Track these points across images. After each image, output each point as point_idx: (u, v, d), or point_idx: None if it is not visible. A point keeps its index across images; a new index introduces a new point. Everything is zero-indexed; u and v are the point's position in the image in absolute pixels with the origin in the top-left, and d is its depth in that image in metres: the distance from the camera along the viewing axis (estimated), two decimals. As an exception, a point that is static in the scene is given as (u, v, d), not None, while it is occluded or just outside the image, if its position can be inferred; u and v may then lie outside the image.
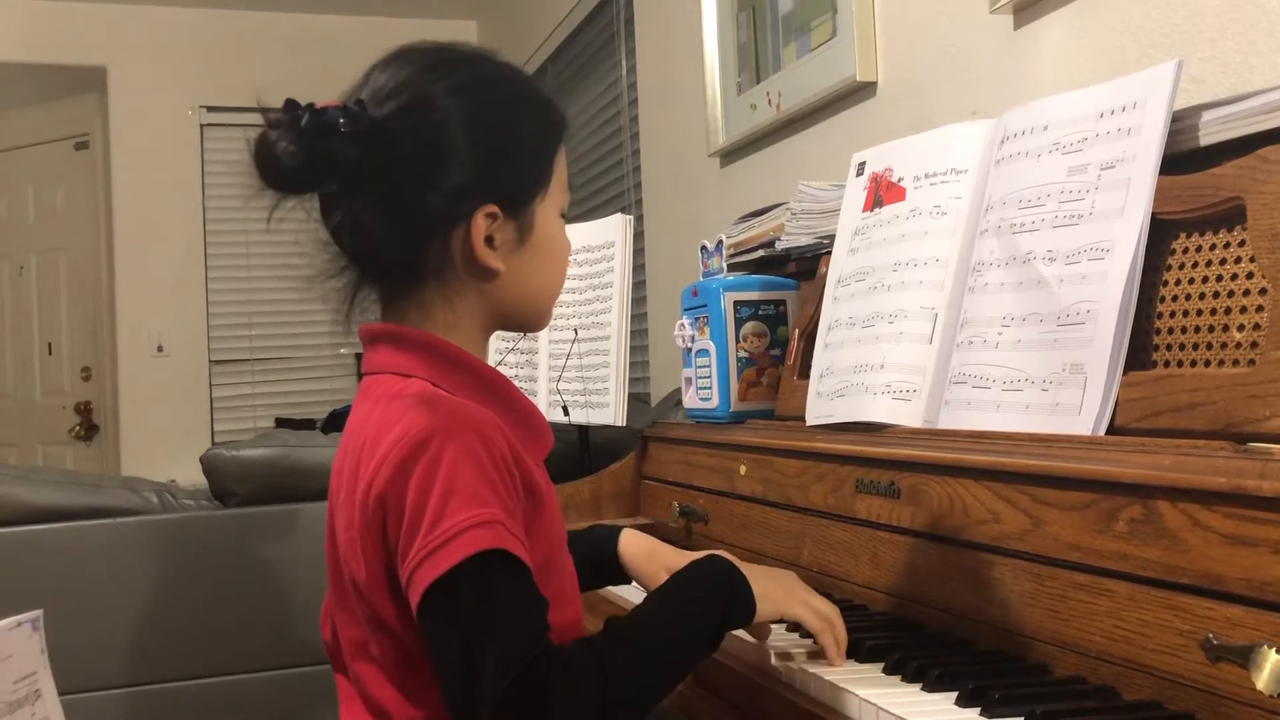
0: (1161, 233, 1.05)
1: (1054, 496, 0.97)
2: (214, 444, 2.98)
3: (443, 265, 0.99)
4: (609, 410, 2.06)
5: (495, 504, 0.89)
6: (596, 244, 2.18)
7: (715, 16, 2.80)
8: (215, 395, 5.23)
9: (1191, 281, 1.03)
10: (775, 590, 1.06)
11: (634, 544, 1.25)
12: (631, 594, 1.42)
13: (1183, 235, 1.05)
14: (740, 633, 1.10)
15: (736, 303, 1.70)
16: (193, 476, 2.64)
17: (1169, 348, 1.04)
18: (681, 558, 1.18)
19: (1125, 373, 1.03)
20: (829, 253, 1.51)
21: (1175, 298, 1.04)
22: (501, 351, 2.33)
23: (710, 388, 1.71)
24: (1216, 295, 1.00)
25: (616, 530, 1.27)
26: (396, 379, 0.99)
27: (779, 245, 1.75)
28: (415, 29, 5.45)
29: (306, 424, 4.15)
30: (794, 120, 2.47)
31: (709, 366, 1.71)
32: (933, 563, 1.13)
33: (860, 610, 1.22)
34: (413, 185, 0.96)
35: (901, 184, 1.38)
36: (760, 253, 1.83)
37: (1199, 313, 1.02)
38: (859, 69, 2.16)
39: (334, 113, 0.93)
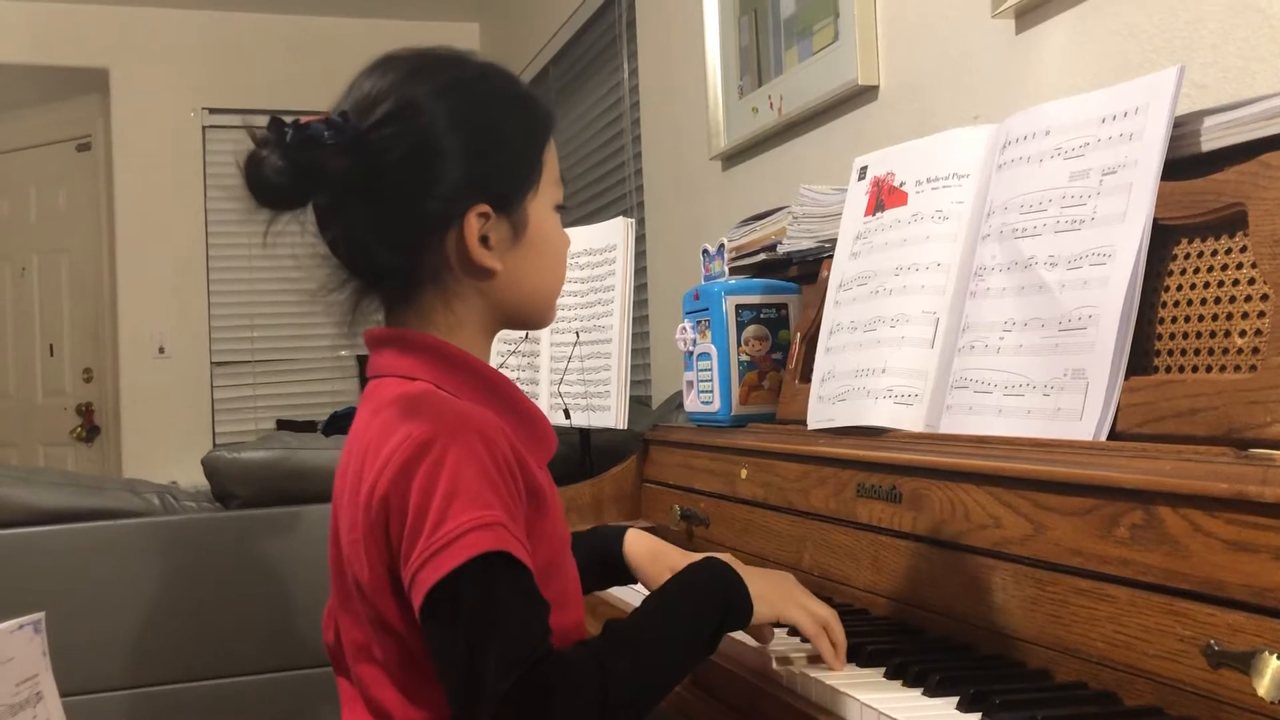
0: (1163, 238, 1.05)
1: (1055, 502, 0.97)
2: (215, 446, 2.98)
3: (440, 269, 1.00)
4: (610, 413, 2.06)
5: (498, 506, 0.89)
6: (598, 247, 2.18)
7: (717, 20, 2.80)
8: (216, 397, 5.24)
9: (1193, 287, 1.03)
10: (772, 592, 1.06)
11: (639, 544, 1.25)
12: (631, 596, 1.42)
13: (1184, 241, 1.05)
14: (743, 636, 1.11)
15: (738, 306, 1.70)
16: (194, 478, 2.65)
17: (1170, 353, 1.04)
18: (686, 558, 1.18)
19: (1127, 378, 1.03)
20: (831, 256, 1.51)
21: (1177, 303, 1.04)
22: (503, 354, 2.33)
23: (712, 391, 1.71)
24: (1218, 301, 1.00)
25: (622, 530, 1.27)
26: (401, 382, 0.99)
27: (781, 249, 1.76)
28: (417, 31, 5.47)
29: (308, 426, 4.14)
30: (796, 124, 2.47)
31: (710, 370, 1.71)
32: (934, 567, 1.14)
33: (861, 615, 1.23)
34: (402, 191, 0.97)
35: (903, 188, 1.38)
36: (762, 256, 1.83)
37: (1200, 318, 1.02)
38: (861, 73, 2.16)
39: (318, 126, 0.93)
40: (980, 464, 1.07)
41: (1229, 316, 0.99)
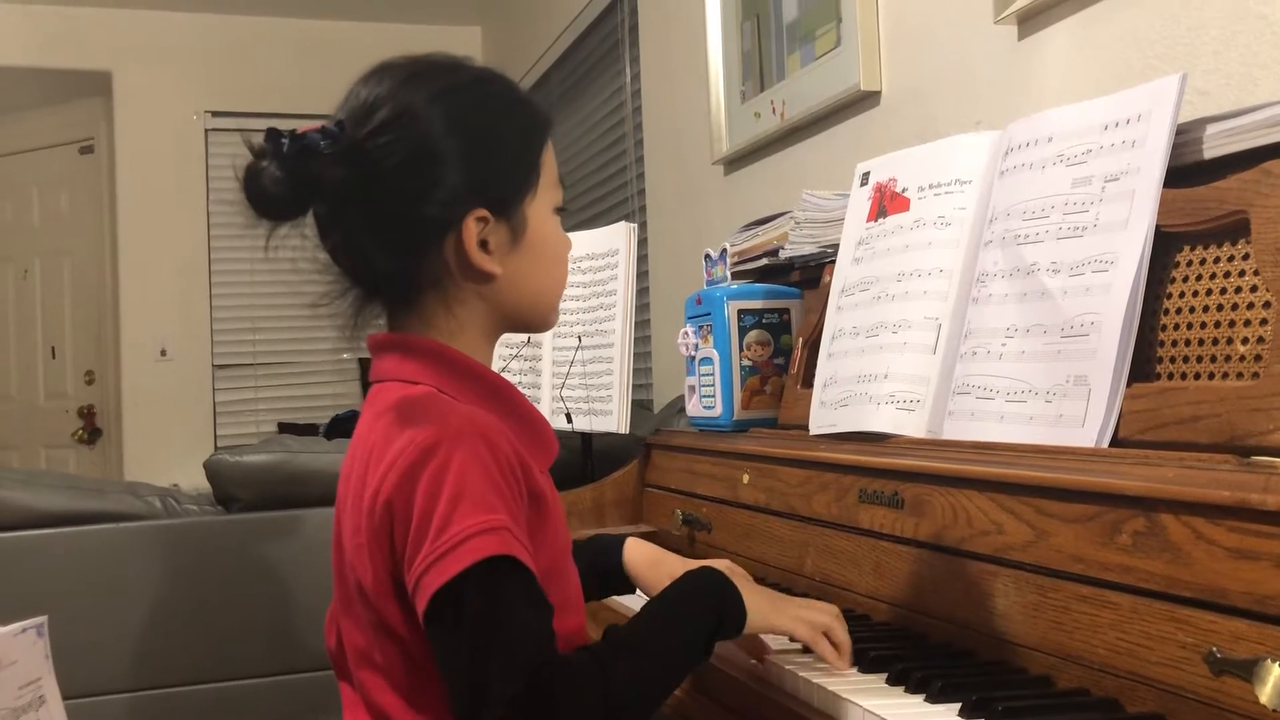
0: (1165, 245, 1.05)
1: (1057, 508, 0.97)
2: (217, 449, 2.98)
3: (440, 274, 1.00)
4: (612, 418, 2.06)
5: (502, 510, 0.89)
6: (600, 252, 2.18)
7: (720, 24, 2.80)
8: (218, 400, 5.24)
9: (1195, 294, 1.03)
10: (765, 603, 1.06)
11: (638, 552, 1.25)
12: (632, 602, 1.42)
13: (1186, 248, 1.05)
14: (741, 649, 1.11)
15: (740, 311, 1.70)
16: (196, 481, 2.65)
17: (1173, 360, 1.04)
18: (685, 566, 1.18)
19: (1129, 385, 1.03)
20: (833, 262, 1.51)
21: (1179, 310, 1.04)
22: (505, 358, 2.33)
23: (714, 396, 1.72)
24: (1220, 308, 1.00)
25: (621, 539, 1.27)
26: (403, 386, 0.99)
27: (783, 254, 1.76)
28: (419, 35, 5.47)
29: (309, 429, 4.14)
30: (798, 129, 2.47)
31: (712, 375, 1.71)
32: (936, 573, 1.14)
33: (863, 621, 1.23)
34: (400, 197, 0.97)
35: (906, 194, 1.38)
36: (764, 261, 1.83)
37: (1203, 325, 1.02)
38: (863, 78, 2.17)
39: (314, 136, 0.93)
40: (982, 470, 1.07)
41: (1231, 324, 0.99)
